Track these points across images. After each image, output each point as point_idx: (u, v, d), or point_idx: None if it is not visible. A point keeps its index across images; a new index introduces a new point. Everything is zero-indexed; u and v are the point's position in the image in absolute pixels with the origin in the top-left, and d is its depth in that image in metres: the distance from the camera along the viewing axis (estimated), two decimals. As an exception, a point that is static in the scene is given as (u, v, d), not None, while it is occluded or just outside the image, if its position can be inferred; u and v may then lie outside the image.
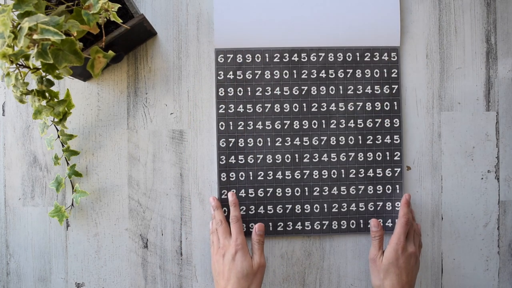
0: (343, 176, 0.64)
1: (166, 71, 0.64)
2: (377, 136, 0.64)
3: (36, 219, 0.63)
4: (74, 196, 0.61)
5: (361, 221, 0.63)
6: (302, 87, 0.64)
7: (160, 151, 0.64)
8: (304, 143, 0.64)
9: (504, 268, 0.65)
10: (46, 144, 0.60)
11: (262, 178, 0.63)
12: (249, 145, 0.63)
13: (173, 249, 0.64)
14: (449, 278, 0.65)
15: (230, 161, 0.63)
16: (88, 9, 0.48)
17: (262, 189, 0.63)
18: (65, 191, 0.64)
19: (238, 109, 0.63)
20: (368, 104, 0.64)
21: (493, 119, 0.65)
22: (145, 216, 0.64)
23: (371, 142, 0.64)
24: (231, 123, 0.63)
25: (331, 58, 0.64)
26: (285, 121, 0.64)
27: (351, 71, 0.64)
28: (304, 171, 0.64)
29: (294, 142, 0.64)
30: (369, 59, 0.64)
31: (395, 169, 0.64)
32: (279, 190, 0.63)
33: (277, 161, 0.63)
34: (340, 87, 0.64)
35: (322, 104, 0.64)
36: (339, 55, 0.64)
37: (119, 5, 0.51)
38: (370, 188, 0.64)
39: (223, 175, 0.62)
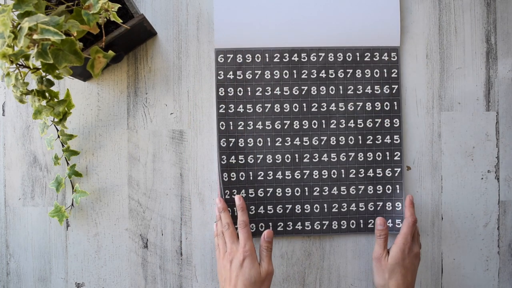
0: (343, 176, 0.64)
1: (166, 71, 0.64)
2: (377, 136, 0.64)
3: (36, 219, 0.63)
4: (74, 196, 0.61)
5: (361, 221, 0.63)
6: (302, 87, 0.64)
7: (160, 151, 0.64)
8: (304, 143, 0.64)
9: (504, 268, 0.65)
10: (46, 144, 0.60)
11: (262, 178, 0.63)
12: (249, 145, 0.63)
13: (173, 249, 0.64)
14: (449, 278, 0.65)
15: (230, 161, 0.63)
16: (88, 9, 0.48)
17: (262, 189, 0.63)
18: (65, 191, 0.64)
19: (238, 109, 0.63)
20: (368, 104, 0.64)
21: (493, 119, 0.65)
22: (145, 216, 0.64)
23: (371, 142, 0.64)
24: (231, 123, 0.63)
25: (331, 58, 0.64)
26: (285, 121, 0.64)
27: (351, 71, 0.64)
28: (304, 171, 0.63)
29: (294, 142, 0.64)
30: (369, 59, 0.64)
31: (395, 169, 0.64)
32: (279, 190, 0.63)
33: (277, 161, 0.63)
34: (340, 87, 0.64)
35: (322, 104, 0.64)
36: (339, 55, 0.64)
37: (119, 5, 0.51)
38: (370, 188, 0.64)
39: (225, 175, 0.62)
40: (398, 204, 0.63)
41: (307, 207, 0.63)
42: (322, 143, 0.64)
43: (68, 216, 0.62)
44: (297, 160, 0.63)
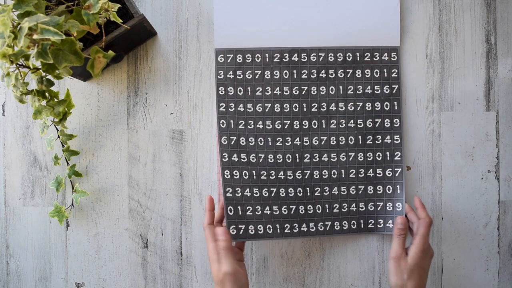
0: (343, 176, 0.64)
1: (166, 71, 0.64)
2: (377, 136, 0.64)
3: (36, 219, 0.63)
4: (74, 196, 0.61)
5: (361, 221, 0.63)
6: (302, 87, 0.64)
7: (160, 151, 0.64)
8: (304, 143, 0.64)
9: (504, 268, 0.65)
10: (46, 144, 0.60)
11: (266, 178, 0.62)
12: (250, 144, 0.63)
13: (173, 249, 0.64)
14: (449, 278, 0.65)
15: (232, 159, 0.62)
16: (88, 9, 0.48)
17: (267, 189, 0.62)
18: (65, 191, 0.64)
19: (238, 108, 0.63)
20: (368, 104, 0.64)
21: (493, 119, 0.65)
22: (145, 216, 0.64)
23: (371, 142, 0.64)
24: (232, 121, 0.63)
25: (331, 58, 0.64)
26: (285, 121, 0.64)
27: (351, 71, 0.64)
28: (305, 171, 0.63)
29: (295, 142, 0.64)
30: (369, 59, 0.64)
31: (396, 169, 0.64)
32: (282, 190, 0.62)
33: (278, 160, 0.63)
34: (340, 87, 0.64)
35: (322, 104, 0.64)
36: (339, 55, 0.64)
37: (119, 5, 0.51)
38: (370, 188, 0.64)
39: (227, 172, 0.62)
40: (398, 205, 0.63)
41: (310, 207, 0.63)
42: (322, 143, 0.64)
43: (68, 216, 0.62)
44: (298, 160, 0.63)
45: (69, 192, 0.64)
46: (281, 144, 0.63)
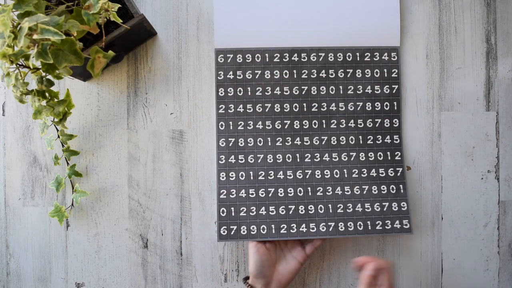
0: (345, 175, 0.63)
1: (166, 71, 0.64)
2: (377, 136, 0.64)
3: (36, 219, 0.63)
4: (74, 196, 0.61)
5: (368, 222, 0.61)
6: (302, 87, 0.64)
7: (160, 151, 0.64)
8: (305, 143, 0.64)
9: (504, 268, 0.65)
10: (46, 144, 0.60)
11: (263, 178, 0.62)
12: (249, 144, 0.63)
13: (173, 249, 0.64)
14: (449, 278, 0.65)
15: (229, 160, 0.62)
16: (88, 9, 0.48)
17: (264, 189, 0.62)
18: (65, 191, 0.64)
19: (238, 109, 0.63)
20: (368, 104, 0.64)
21: (493, 119, 0.65)
22: (145, 216, 0.64)
23: (372, 142, 0.64)
24: (231, 123, 0.63)
25: (331, 58, 0.64)
26: (285, 121, 0.63)
27: (351, 71, 0.64)
28: (306, 171, 0.63)
29: (295, 142, 0.63)
30: (369, 59, 0.64)
31: (397, 169, 0.63)
32: (281, 190, 0.62)
33: (278, 160, 0.63)
34: (340, 87, 0.64)
35: (322, 104, 0.64)
36: (339, 55, 0.64)
37: (119, 5, 0.51)
38: (375, 188, 0.63)
39: (222, 174, 0.62)
40: (403, 204, 0.62)
41: (311, 207, 0.62)
42: (323, 143, 0.64)
43: (68, 216, 0.62)
44: (298, 160, 0.63)
45: (69, 192, 0.64)
46: (281, 144, 0.63)
